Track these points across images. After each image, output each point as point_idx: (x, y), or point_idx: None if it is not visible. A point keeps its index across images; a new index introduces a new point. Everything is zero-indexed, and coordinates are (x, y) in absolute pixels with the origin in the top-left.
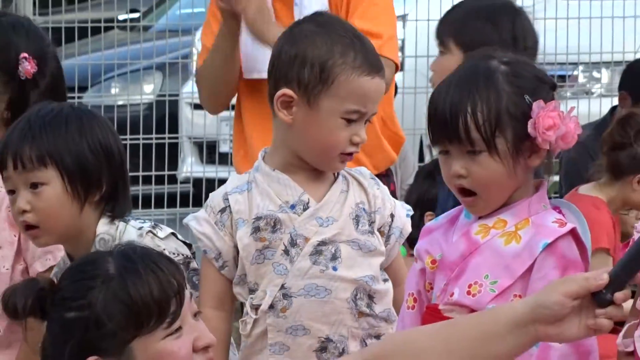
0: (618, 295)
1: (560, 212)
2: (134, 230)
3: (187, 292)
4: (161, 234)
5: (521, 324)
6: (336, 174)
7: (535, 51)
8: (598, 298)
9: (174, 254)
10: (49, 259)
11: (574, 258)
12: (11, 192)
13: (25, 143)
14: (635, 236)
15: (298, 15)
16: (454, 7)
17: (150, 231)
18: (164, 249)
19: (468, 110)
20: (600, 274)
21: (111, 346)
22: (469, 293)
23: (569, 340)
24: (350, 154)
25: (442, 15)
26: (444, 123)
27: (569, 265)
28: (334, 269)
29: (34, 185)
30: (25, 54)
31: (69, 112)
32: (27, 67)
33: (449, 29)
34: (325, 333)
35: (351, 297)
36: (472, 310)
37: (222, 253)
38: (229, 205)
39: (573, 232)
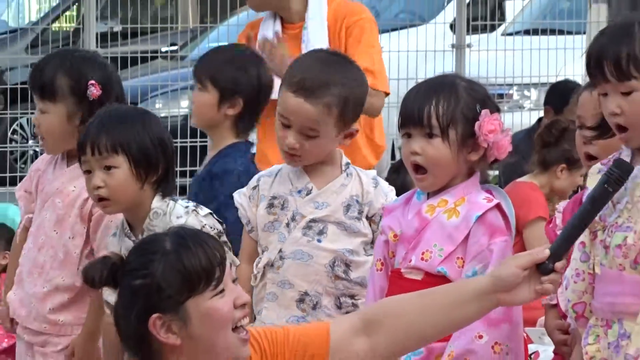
0: (558, 264)
1: (490, 193)
2: (181, 208)
3: (227, 262)
4: (202, 212)
5: (484, 293)
6: (343, 170)
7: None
8: (542, 268)
9: (211, 227)
10: (105, 240)
11: (500, 226)
12: (87, 172)
13: (101, 134)
14: (557, 216)
15: (305, 50)
16: (210, 52)
17: (194, 209)
18: (205, 224)
19: (433, 103)
20: (542, 250)
21: (169, 306)
22: (422, 259)
23: (522, 303)
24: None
25: (201, 58)
26: (412, 111)
27: (495, 232)
28: (318, 241)
29: (107, 168)
30: (93, 81)
31: (133, 111)
32: (94, 91)
33: (207, 71)
34: (304, 288)
35: (329, 263)
36: (426, 272)
37: (251, 220)
38: (259, 185)
39: (498, 206)
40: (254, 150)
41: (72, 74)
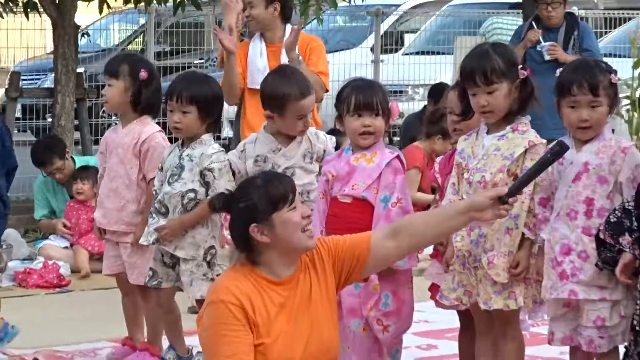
0: (511, 200)
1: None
2: (215, 144)
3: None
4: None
5: (463, 212)
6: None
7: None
8: (501, 200)
9: (223, 160)
10: (155, 171)
11: (400, 168)
12: (170, 111)
13: (183, 90)
14: (435, 166)
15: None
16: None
17: (221, 149)
18: (223, 158)
19: (378, 93)
20: (503, 189)
21: (262, 219)
22: (352, 189)
23: (486, 219)
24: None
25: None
26: (365, 98)
27: (397, 172)
28: None
29: (183, 112)
30: (143, 69)
31: (203, 77)
32: (143, 74)
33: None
34: None
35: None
36: (354, 197)
37: (241, 170)
38: (245, 149)
39: (398, 157)
40: None
41: (131, 63)
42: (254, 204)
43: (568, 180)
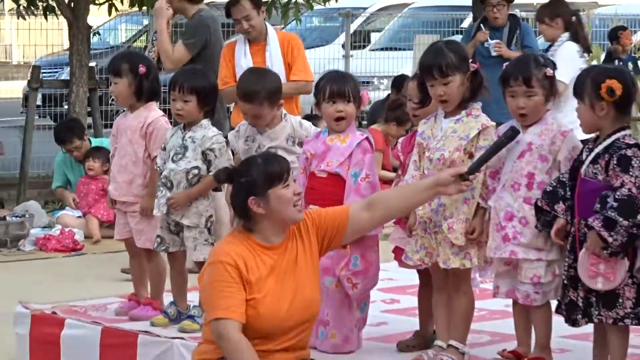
0: (471, 177)
1: (362, 133)
2: (213, 127)
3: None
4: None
5: (430, 187)
6: (283, 118)
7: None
8: (462, 177)
9: (221, 142)
10: (158, 150)
11: (368, 148)
12: (173, 100)
13: (184, 80)
14: (398, 147)
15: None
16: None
17: (220, 132)
18: (221, 139)
19: (350, 83)
20: (464, 167)
21: (259, 193)
22: (327, 165)
23: (450, 194)
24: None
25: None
26: (338, 87)
27: (366, 151)
28: None
29: (185, 101)
30: (141, 65)
31: (200, 70)
32: (142, 69)
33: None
34: None
35: None
36: (329, 173)
37: (235, 148)
38: (239, 130)
39: (367, 138)
40: None
41: (130, 61)
42: (253, 179)
43: (514, 157)
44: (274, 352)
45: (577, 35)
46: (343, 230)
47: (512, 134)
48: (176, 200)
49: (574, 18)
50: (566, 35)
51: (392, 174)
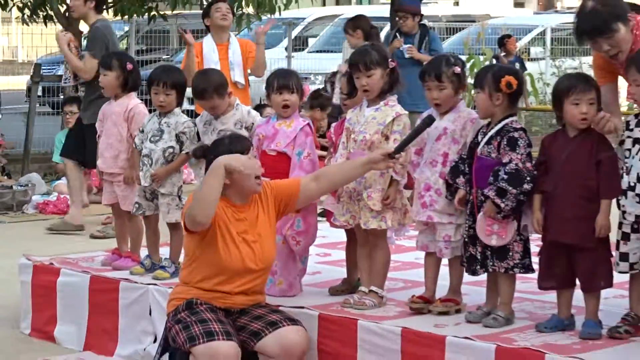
0: (397, 155)
1: (304, 120)
2: (186, 116)
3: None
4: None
5: (365, 164)
6: (235, 107)
7: None
8: (390, 156)
9: (190, 126)
10: (137, 131)
11: (309, 132)
12: (155, 93)
13: (166, 77)
14: (331, 131)
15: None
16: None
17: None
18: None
19: (293, 78)
20: (391, 148)
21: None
22: (276, 145)
23: (381, 169)
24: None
25: None
26: (284, 80)
27: (307, 135)
28: None
29: (166, 94)
30: (128, 62)
31: (176, 68)
32: (129, 65)
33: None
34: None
35: None
36: (277, 151)
37: (199, 129)
38: (202, 115)
39: (308, 124)
40: None
41: (119, 58)
42: (219, 156)
43: (432, 139)
44: (233, 294)
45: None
46: (295, 199)
47: (428, 121)
48: (158, 174)
49: (372, 30)
50: (366, 44)
51: (323, 152)
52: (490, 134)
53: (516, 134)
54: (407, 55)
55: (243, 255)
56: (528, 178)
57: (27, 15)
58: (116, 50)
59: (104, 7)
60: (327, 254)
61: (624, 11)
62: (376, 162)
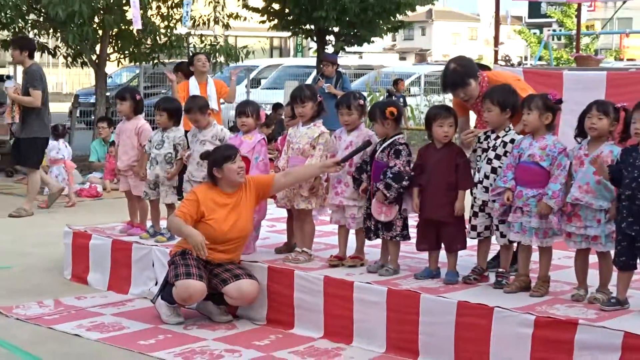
0: (342, 164)
1: (261, 135)
2: (182, 131)
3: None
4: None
5: (320, 166)
6: (212, 126)
7: None
8: (338, 163)
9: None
10: (146, 141)
11: (263, 143)
12: (160, 116)
13: (159, 102)
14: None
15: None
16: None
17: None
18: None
19: (250, 107)
20: (339, 157)
21: (218, 165)
22: (249, 152)
23: (331, 172)
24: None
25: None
26: (243, 108)
27: (262, 145)
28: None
29: (160, 115)
30: (137, 95)
31: (170, 98)
32: (138, 97)
33: (123, 95)
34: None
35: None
36: (243, 157)
37: (189, 140)
38: (192, 130)
39: (263, 138)
40: None
41: (131, 91)
42: (215, 158)
43: (342, 148)
44: (215, 252)
45: None
46: (269, 189)
47: (367, 143)
48: (172, 173)
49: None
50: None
51: (272, 155)
52: (384, 145)
53: (400, 147)
54: (327, 91)
55: (226, 228)
56: (406, 177)
57: (70, 61)
58: (45, 83)
59: (34, 55)
60: (273, 225)
61: (475, 70)
62: (328, 167)
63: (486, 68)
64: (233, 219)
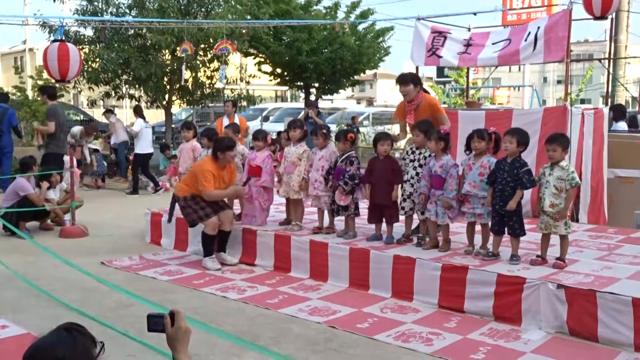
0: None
1: (269, 151)
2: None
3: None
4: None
5: (234, 189)
6: (238, 145)
7: None
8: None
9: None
10: (197, 156)
11: (270, 158)
12: (201, 142)
13: (203, 132)
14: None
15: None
16: None
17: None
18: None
19: (261, 134)
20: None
21: (220, 152)
22: (255, 162)
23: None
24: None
25: None
26: (257, 134)
27: (270, 158)
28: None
29: (201, 140)
30: (194, 127)
31: (211, 129)
32: (196, 127)
33: (189, 126)
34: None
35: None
36: (257, 165)
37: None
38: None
39: (270, 154)
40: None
41: (191, 125)
42: (218, 147)
43: (317, 159)
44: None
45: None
46: (231, 182)
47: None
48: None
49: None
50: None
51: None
52: (342, 157)
53: (353, 159)
54: (310, 117)
55: (218, 183)
56: (357, 178)
57: (148, 105)
58: (64, 118)
59: (56, 97)
60: (277, 208)
61: (419, 83)
62: (237, 190)
63: (427, 92)
64: (224, 185)
